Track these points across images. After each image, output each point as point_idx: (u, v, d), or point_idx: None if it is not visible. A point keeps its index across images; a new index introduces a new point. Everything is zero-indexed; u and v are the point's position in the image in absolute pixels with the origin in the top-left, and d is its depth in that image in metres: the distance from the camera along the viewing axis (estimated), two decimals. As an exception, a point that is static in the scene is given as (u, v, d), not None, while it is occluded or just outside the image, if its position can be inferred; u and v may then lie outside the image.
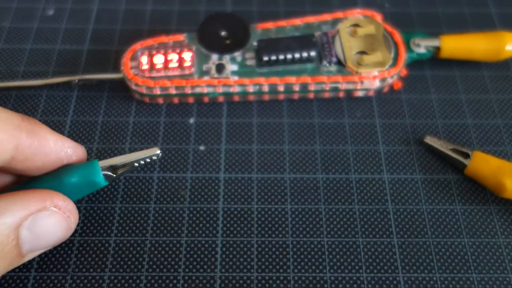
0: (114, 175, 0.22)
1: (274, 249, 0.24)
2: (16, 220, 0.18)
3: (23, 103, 0.28)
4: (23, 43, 0.31)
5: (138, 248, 0.24)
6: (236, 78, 0.27)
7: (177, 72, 0.27)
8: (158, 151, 0.22)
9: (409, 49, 0.29)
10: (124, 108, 0.28)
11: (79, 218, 0.24)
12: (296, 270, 0.23)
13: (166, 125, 0.28)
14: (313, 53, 0.27)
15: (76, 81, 0.28)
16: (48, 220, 0.19)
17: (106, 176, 0.22)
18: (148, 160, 0.22)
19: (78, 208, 0.25)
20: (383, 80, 0.27)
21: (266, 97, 0.28)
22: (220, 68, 0.27)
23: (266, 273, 0.23)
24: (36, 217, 0.19)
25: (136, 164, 0.22)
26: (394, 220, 0.25)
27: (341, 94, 0.28)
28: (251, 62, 0.28)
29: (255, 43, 0.28)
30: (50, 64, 0.30)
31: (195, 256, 0.23)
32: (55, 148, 0.21)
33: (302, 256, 0.24)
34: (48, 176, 0.21)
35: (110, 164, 0.22)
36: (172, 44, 0.28)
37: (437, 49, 0.29)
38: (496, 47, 0.29)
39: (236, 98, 0.28)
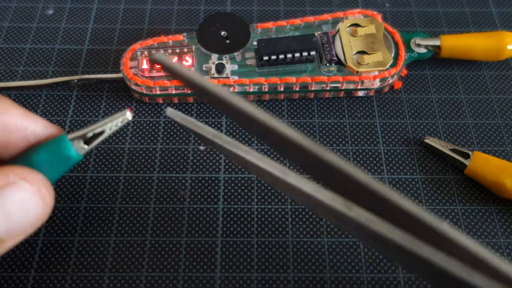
0: (87, 147, 0.20)
1: (274, 249, 0.24)
2: None
3: (22, 103, 0.28)
4: (23, 43, 0.31)
5: (138, 248, 0.24)
6: (236, 78, 0.27)
7: (177, 72, 0.27)
8: (129, 114, 0.20)
9: (409, 48, 0.29)
10: (124, 108, 0.28)
11: (79, 219, 0.24)
12: (296, 270, 0.23)
13: (166, 125, 0.28)
14: (313, 53, 0.27)
15: (76, 81, 0.28)
16: (17, 195, 0.17)
17: (78, 148, 0.20)
18: (120, 124, 0.20)
19: (78, 208, 0.25)
20: (383, 80, 0.27)
21: (266, 97, 0.28)
22: (220, 68, 0.27)
23: (266, 273, 0.23)
24: (2, 194, 0.17)
25: (108, 131, 0.20)
26: (394, 220, 0.25)
27: (341, 94, 0.28)
28: (251, 62, 0.28)
29: (255, 43, 0.28)
30: (49, 64, 0.30)
31: (195, 256, 0.23)
32: (20, 124, 0.19)
33: (302, 256, 0.24)
34: (15, 158, 0.19)
35: (80, 135, 0.20)
36: (172, 44, 0.28)
37: (438, 48, 0.29)
38: (496, 47, 0.28)
39: (236, 98, 0.28)
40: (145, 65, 0.27)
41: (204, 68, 0.27)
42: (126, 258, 0.23)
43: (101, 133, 0.20)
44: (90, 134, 0.20)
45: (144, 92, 0.27)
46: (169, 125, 0.28)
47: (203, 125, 0.20)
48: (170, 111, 0.20)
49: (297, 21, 0.29)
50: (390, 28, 0.29)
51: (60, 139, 0.19)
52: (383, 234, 0.16)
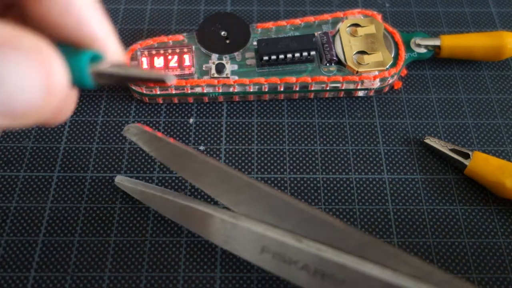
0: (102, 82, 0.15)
1: (274, 249, 0.24)
2: None
3: None
4: (23, 43, 0.31)
5: (138, 248, 0.24)
6: (236, 78, 0.27)
7: (177, 72, 0.27)
8: (172, 78, 0.15)
9: (409, 48, 0.29)
10: (124, 108, 0.28)
11: (79, 219, 0.24)
12: (296, 271, 0.23)
13: (166, 125, 0.28)
14: (313, 53, 0.27)
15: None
16: (13, 57, 0.13)
17: (96, 77, 0.15)
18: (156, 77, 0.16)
19: (78, 208, 0.25)
20: (383, 80, 0.27)
21: (266, 97, 0.28)
22: (220, 68, 0.27)
23: (266, 273, 0.23)
24: None
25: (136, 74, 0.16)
26: (394, 220, 0.25)
27: (341, 94, 0.28)
28: (251, 62, 0.28)
29: (255, 43, 0.28)
30: (49, 64, 0.30)
31: (195, 256, 0.23)
32: (78, 15, 0.15)
33: (302, 256, 0.24)
34: None
35: (107, 72, 0.15)
36: (172, 44, 0.28)
37: (438, 48, 0.29)
38: (496, 47, 0.28)
39: (236, 98, 0.28)
40: (145, 65, 0.27)
41: (204, 68, 0.27)
42: (126, 258, 0.23)
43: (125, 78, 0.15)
44: (115, 74, 0.15)
45: (144, 92, 0.27)
46: (169, 125, 0.28)
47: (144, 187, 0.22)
48: (117, 180, 0.21)
49: (297, 21, 0.29)
50: (390, 28, 0.29)
51: (79, 58, 0.15)
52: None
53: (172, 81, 0.15)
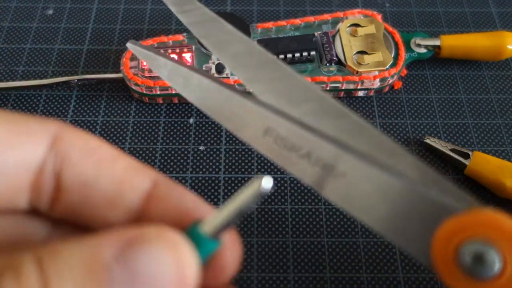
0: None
1: (274, 249, 0.24)
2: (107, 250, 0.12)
3: (22, 103, 0.28)
4: (22, 43, 0.31)
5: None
6: (236, 78, 0.27)
7: (177, 72, 0.27)
8: (265, 182, 0.13)
9: (409, 48, 0.29)
10: (124, 108, 0.28)
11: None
12: (296, 270, 0.23)
13: (166, 125, 0.28)
14: (313, 53, 0.27)
15: (76, 81, 0.28)
16: (149, 255, 0.12)
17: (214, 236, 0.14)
18: (257, 202, 0.14)
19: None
20: (383, 80, 0.27)
21: (266, 97, 0.28)
22: (220, 68, 0.27)
23: (266, 273, 0.23)
24: (133, 250, 0.12)
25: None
26: (394, 220, 0.25)
27: (341, 94, 0.28)
28: (251, 62, 0.28)
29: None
30: (49, 64, 0.30)
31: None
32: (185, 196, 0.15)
33: (302, 256, 0.24)
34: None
35: (220, 226, 0.14)
36: (172, 44, 0.28)
37: (438, 48, 0.29)
38: (496, 47, 0.28)
39: (236, 98, 0.28)
40: (145, 64, 0.27)
41: (204, 68, 0.27)
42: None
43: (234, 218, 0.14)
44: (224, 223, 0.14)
45: (144, 92, 0.27)
46: (169, 125, 0.28)
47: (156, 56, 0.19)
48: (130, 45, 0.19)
49: (297, 21, 0.29)
50: (390, 28, 0.29)
51: (192, 233, 0.14)
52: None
53: (269, 184, 0.14)
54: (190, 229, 0.14)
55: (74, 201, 0.15)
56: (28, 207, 0.15)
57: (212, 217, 0.14)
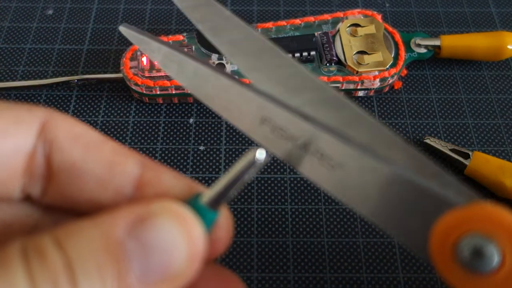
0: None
1: (274, 249, 0.24)
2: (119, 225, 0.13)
3: (22, 104, 0.28)
4: (23, 43, 0.31)
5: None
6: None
7: (177, 72, 0.27)
8: (259, 153, 0.14)
9: (409, 48, 0.29)
10: (124, 108, 0.28)
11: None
12: (296, 270, 0.23)
13: (166, 125, 0.28)
14: (313, 53, 0.27)
15: (76, 81, 0.28)
16: (160, 229, 0.13)
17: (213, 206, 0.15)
18: (252, 172, 0.15)
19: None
20: (383, 80, 0.27)
21: (266, 97, 0.28)
22: (220, 68, 0.27)
23: (266, 273, 0.23)
24: (143, 226, 0.13)
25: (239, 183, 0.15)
26: (394, 220, 0.25)
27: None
28: (251, 62, 0.28)
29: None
30: (49, 64, 0.30)
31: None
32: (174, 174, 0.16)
33: (302, 256, 0.24)
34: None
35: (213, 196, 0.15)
36: (172, 44, 0.28)
37: (438, 48, 0.29)
38: (496, 47, 0.28)
39: (236, 98, 0.28)
40: (145, 65, 0.27)
41: (204, 68, 0.27)
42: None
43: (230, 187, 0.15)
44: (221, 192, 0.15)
45: (144, 92, 0.27)
46: (169, 125, 0.28)
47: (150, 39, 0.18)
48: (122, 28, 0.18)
49: (297, 21, 0.29)
50: (390, 28, 0.29)
51: (193, 204, 0.15)
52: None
53: (262, 155, 0.15)
54: (191, 201, 0.14)
55: (65, 185, 0.15)
56: (20, 194, 0.15)
57: (211, 189, 0.15)
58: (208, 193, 0.15)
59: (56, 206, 0.16)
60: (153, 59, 0.18)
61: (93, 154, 0.15)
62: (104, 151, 0.15)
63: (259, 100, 0.16)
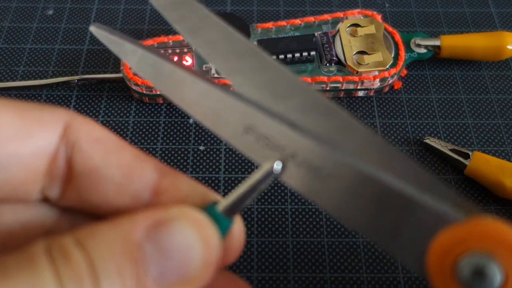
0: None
1: (274, 249, 0.24)
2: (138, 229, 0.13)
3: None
4: (23, 43, 0.31)
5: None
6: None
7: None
8: (277, 165, 0.15)
9: (409, 49, 0.29)
10: (124, 108, 0.28)
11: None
12: (296, 270, 0.23)
13: (166, 125, 0.28)
14: (313, 53, 0.27)
15: (76, 81, 0.28)
16: (177, 233, 0.13)
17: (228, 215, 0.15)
18: (268, 183, 0.15)
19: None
20: (383, 80, 0.27)
21: (266, 97, 0.28)
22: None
23: (266, 273, 0.23)
24: (160, 230, 0.13)
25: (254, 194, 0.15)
26: (394, 220, 0.25)
27: (341, 94, 0.28)
28: (251, 62, 0.28)
29: (255, 43, 0.28)
30: (49, 64, 0.30)
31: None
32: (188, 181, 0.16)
33: (302, 256, 0.24)
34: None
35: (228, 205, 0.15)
36: (172, 44, 0.28)
37: (438, 48, 0.29)
38: (496, 47, 0.28)
39: (236, 98, 0.28)
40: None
41: (204, 68, 0.27)
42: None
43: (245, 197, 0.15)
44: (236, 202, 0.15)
45: (144, 92, 0.27)
46: (169, 125, 0.28)
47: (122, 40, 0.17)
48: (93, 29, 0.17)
49: (297, 21, 0.29)
50: (390, 28, 0.29)
51: (209, 211, 0.15)
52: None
53: (279, 166, 0.15)
54: (208, 208, 0.15)
55: (84, 188, 0.15)
56: (39, 196, 0.15)
57: (227, 197, 0.15)
58: (224, 201, 0.15)
59: (73, 209, 0.16)
60: (128, 62, 0.17)
61: (113, 159, 0.15)
62: (123, 157, 0.15)
63: (242, 107, 0.15)
